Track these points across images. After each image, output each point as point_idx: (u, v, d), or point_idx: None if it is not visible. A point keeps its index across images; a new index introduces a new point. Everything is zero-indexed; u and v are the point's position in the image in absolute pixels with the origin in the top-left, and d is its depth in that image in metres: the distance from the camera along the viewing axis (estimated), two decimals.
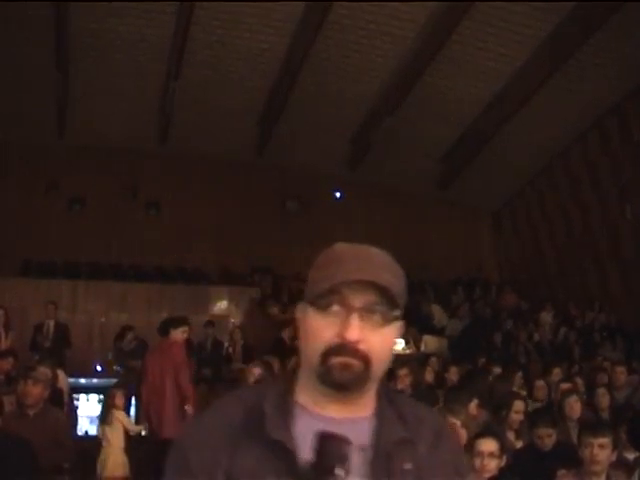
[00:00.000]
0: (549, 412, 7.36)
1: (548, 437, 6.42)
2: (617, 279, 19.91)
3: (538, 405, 8.51)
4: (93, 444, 11.97)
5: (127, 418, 10.08)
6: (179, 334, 10.00)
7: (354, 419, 2.06)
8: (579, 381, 8.89)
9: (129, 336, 14.86)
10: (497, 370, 9.77)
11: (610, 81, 18.15)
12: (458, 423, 5.94)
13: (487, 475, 4.95)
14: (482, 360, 13.49)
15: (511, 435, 6.98)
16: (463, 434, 5.91)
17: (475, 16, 16.50)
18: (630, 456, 6.23)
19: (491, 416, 7.86)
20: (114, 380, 14.50)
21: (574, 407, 7.87)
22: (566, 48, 16.93)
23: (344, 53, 18.19)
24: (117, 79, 19.01)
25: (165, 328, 10.18)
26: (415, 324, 17.74)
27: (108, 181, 21.54)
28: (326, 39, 17.62)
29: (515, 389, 8.94)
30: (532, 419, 6.83)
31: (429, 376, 10.39)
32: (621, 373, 9.62)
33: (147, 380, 9.89)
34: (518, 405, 7.17)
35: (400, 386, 9.10)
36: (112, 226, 21.23)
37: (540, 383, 9.02)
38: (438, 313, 19.01)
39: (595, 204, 20.33)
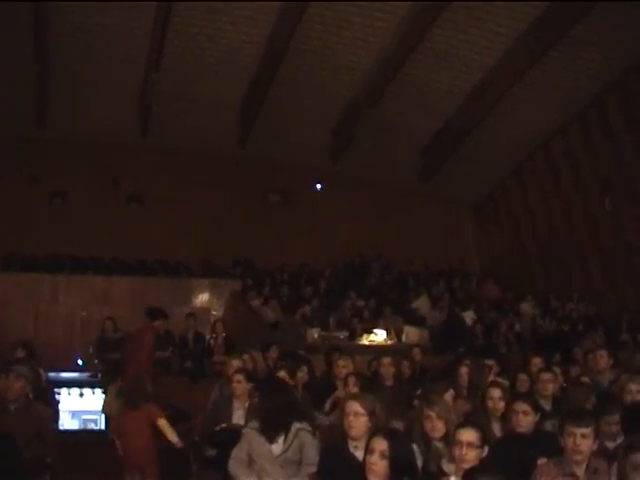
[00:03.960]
0: (529, 395, 7.41)
1: (524, 414, 6.43)
2: (598, 270, 20.02)
3: None
4: (75, 438, 12.00)
5: None
6: (158, 324, 12.68)
7: None
8: (557, 370, 8.91)
9: (108, 326, 14.78)
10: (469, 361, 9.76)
11: (590, 73, 18.22)
12: (434, 415, 5.98)
13: (466, 465, 4.97)
14: (461, 350, 13.51)
15: (496, 427, 7.00)
16: (440, 426, 5.94)
17: (456, 8, 16.52)
18: (611, 445, 6.27)
19: (473, 407, 7.90)
20: (94, 374, 14.51)
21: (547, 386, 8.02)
22: (546, 40, 16.99)
23: (325, 45, 18.18)
24: (97, 71, 18.94)
25: (152, 315, 12.70)
26: (400, 314, 17.85)
27: (89, 174, 21.48)
28: (307, 31, 17.60)
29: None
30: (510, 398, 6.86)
31: (405, 369, 10.45)
32: (601, 357, 9.63)
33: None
34: (493, 392, 7.19)
35: (384, 376, 9.15)
36: (94, 220, 21.16)
37: (522, 376, 9.03)
38: (425, 304, 19.05)
39: (576, 196, 20.43)
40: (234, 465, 6.41)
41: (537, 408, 6.59)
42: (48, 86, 19.18)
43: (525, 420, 6.42)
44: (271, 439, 6.35)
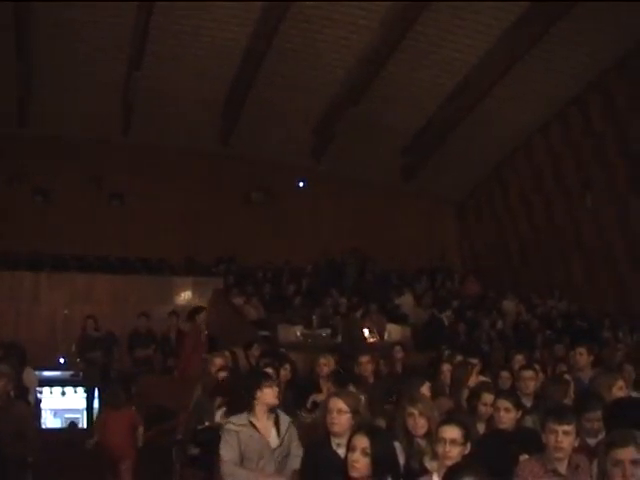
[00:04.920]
0: (511, 392, 7.43)
1: (505, 411, 6.46)
2: (579, 267, 20.11)
3: None
4: (57, 437, 11.95)
5: None
6: (200, 319, 13.44)
7: None
8: (538, 367, 8.94)
9: (90, 325, 14.69)
10: (458, 358, 9.81)
11: (571, 72, 18.32)
12: (416, 412, 5.98)
13: (449, 462, 4.98)
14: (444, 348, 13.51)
15: (481, 427, 7.03)
16: (423, 423, 5.95)
17: (439, 7, 16.55)
18: (592, 442, 6.30)
19: (456, 404, 7.92)
20: (76, 373, 14.44)
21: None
22: (528, 39, 17.06)
23: (308, 43, 18.18)
24: (79, 69, 18.85)
25: (191, 316, 13.56)
26: (383, 312, 17.89)
27: (72, 172, 21.37)
28: (290, 29, 17.59)
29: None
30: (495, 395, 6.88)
31: (383, 367, 10.49)
32: (580, 354, 9.67)
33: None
34: (486, 397, 7.21)
35: (363, 373, 9.15)
36: (76, 217, 21.07)
37: (504, 374, 9.08)
38: (409, 302, 19.09)
39: (557, 193, 20.52)
40: (231, 468, 6.22)
41: (519, 405, 6.62)
42: (30, 84, 19.08)
43: (507, 417, 6.45)
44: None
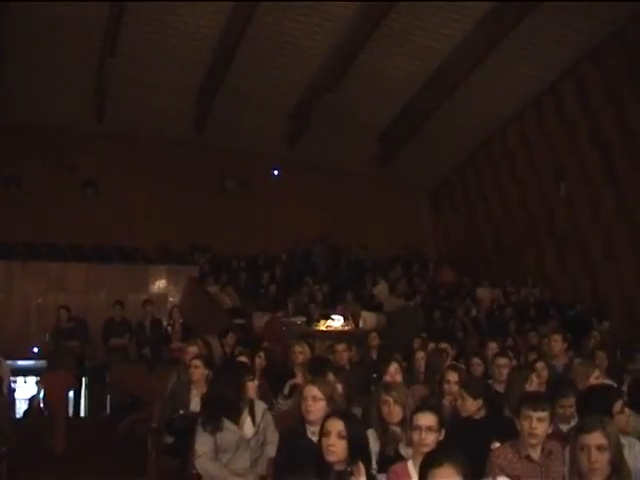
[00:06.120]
0: (478, 382, 7.45)
1: (462, 399, 6.51)
2: (552, 255, 20.24)
3: None
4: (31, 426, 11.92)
5: None
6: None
7: None
8: (510, 354, 9.01)
9: (63, 315, 14.62)
10: (431, 345, 9.89)
11: (546, 61, 18.38)
12: (391, 400, 6.00)
13: (426, 449, 5.00)
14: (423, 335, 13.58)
15: (446, 403, 7.09)
16: (397, 410, 5.98)
17: None
18: (565, 428, 6.36)
19: (431, 391, 7.96)
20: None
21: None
22: (503, 27, 17.09)
23: (282, 30, 18.11)
24: (53, 56, 18.68)
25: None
26: (358, 300, 17.94)
27: (45, 160, 21.20)
28: (264, 16, 17.50)
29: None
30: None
31: (356, 355, 10.54)
32: (555, 341, 9.75)
33: None
34: (450, 375, 7.25)
35: (339, 362, 9.18)
36: (49, 206, 20.91)
37: (476, 360, 9.13)
38: (383, 289, 19.15)
39: (531, 182, 20.62)
40: (205, 463, 6.21)
41: (476, 394, 6.59)
42: (2, 71, 18.89)
43: (463, 405, 6.50)
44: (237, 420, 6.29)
